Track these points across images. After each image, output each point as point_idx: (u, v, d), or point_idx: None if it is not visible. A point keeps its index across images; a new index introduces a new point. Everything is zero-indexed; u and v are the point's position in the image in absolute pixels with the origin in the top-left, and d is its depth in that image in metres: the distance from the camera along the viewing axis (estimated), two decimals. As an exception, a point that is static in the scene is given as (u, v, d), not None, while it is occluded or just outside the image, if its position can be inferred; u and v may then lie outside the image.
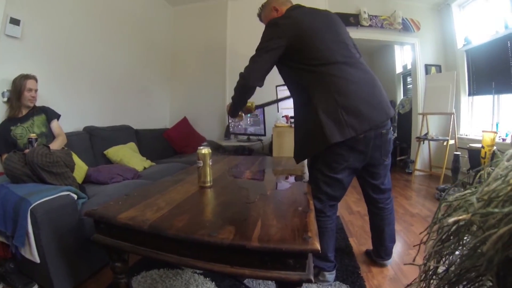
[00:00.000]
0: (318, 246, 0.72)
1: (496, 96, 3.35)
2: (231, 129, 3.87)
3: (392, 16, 3.93)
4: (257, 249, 0.73)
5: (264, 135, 3.56)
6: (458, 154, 2.96)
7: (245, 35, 3.86)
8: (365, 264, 1.64)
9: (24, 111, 1.94)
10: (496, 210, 0.47)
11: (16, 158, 1.52)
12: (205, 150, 1.28)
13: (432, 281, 0.65)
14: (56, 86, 2.40)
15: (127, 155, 2.63)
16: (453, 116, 3.40)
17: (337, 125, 1.20)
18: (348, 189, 1.42)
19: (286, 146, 2.87)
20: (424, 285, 0.66)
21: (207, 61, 4.22)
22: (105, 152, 2.57)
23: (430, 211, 2.52)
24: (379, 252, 1.61)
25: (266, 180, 1.62)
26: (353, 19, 3.87)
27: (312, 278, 0.74)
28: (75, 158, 1.94)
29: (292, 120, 2.93)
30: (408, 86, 5.21)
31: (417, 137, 3.78)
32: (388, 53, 5.81)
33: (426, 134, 3.73)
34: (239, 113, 1.64)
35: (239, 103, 1.51)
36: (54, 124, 2.04)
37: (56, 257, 1.33)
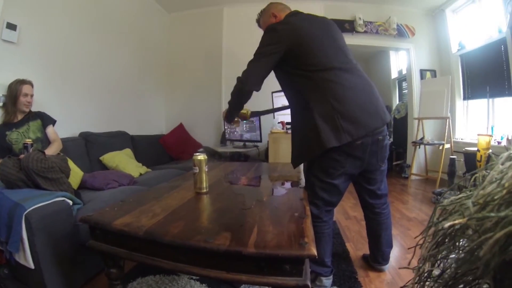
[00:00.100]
0: (314, 251, 0.72)
1: (490, 100, 3.39)
2: (227, 135, 3.87)
3: (387, 22, 3.99)
4: (253, 255, 0.73)
5: (260, 141, 3.56)
6: (454, 158, 2.97)
7: (241, 42, 3.91)
8: (362, 269, 1.64)
9: (20, 116, 1.93)
10: (492, 214, 0.47)
11: (11, 163, 1.51)
12: (201, 156, 1.27)
13: (427, 283, 0.65)
14: (52, 91, 2.39)
15: (123, 161, 2.62)
16: (449, 120, 3.43)
17: (333, 130, 1.21)
18: (345, 194, 1.41)
19: (282, 152, 2.86)
20: (418, 287, 0.66)
21: (203, 67, 4.23)
22: (100, 158, 2.55)
23: (427, 215, 2.52)
24: (376, 257, 1.60)
25: (262, 186, 1.62)
26: (348, 25, 3.92)
27: (309, 283, 0.73)
28: (71, 163, 1.93)
29: (288, 126, 2.94)
30: (404, 91, 5.26)
31: (413, 142, 3.80)
32: (383, 58, 5.87)
33: (422, 138, 3.75)
34: (235, 118, 1.64)
35: (236, 107, 1.51)
36: (50, 129, 2.03)
37: (50, 263, 1.32)
